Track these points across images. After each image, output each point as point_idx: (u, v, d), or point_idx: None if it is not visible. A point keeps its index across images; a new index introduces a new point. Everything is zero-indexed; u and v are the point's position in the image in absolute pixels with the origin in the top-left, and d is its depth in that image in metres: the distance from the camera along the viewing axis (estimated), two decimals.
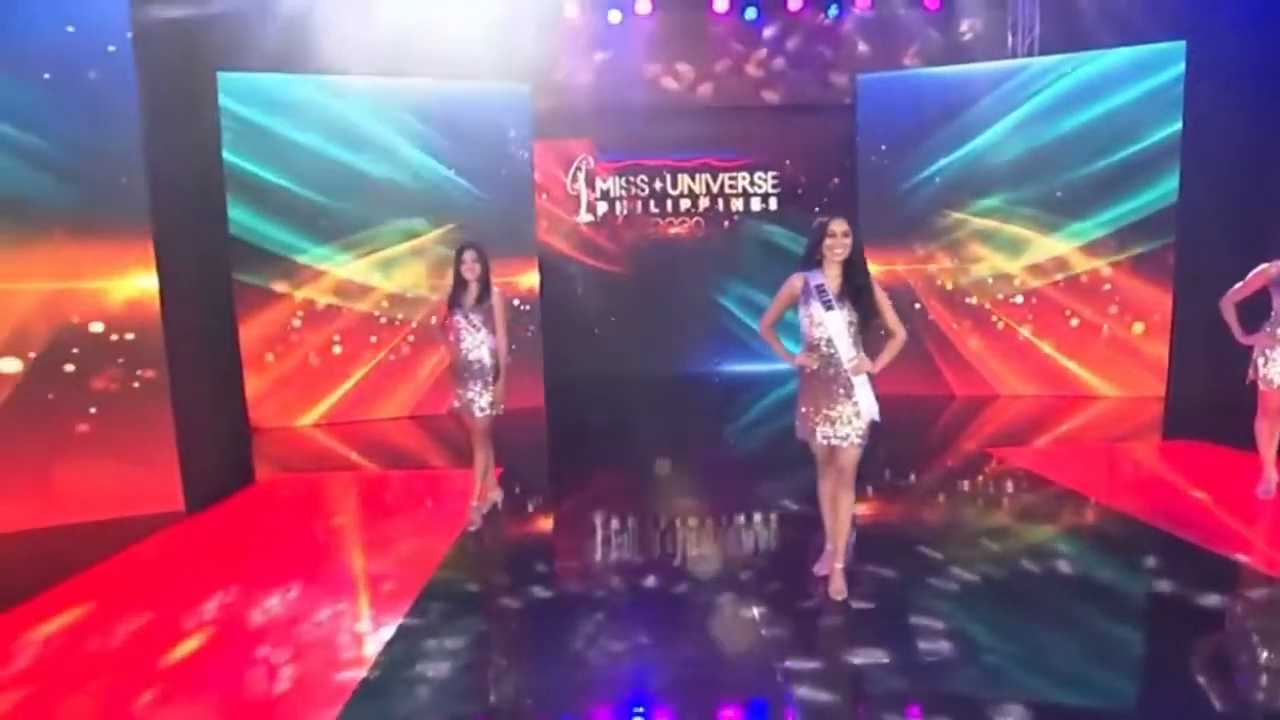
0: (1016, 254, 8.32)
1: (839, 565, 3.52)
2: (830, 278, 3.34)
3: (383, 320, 8.18)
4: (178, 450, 5.13)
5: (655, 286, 10.57)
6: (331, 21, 8.08)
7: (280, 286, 7.80)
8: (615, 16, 9.56)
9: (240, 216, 7.48)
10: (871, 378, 3.37)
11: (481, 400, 4.40)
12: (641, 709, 2.72)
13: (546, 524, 5.04)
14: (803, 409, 3.46)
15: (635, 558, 4.19)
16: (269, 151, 7.58)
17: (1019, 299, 8.38)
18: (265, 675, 2.96)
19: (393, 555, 4.27)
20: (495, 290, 4.41)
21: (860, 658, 2.98)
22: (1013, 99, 8.14)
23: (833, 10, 9.70)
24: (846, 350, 3.32)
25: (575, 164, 10.57)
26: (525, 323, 8.45)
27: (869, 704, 2.73)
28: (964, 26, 9.43)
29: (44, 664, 3.11)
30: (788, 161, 10.55)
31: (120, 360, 4.97)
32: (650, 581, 3.80)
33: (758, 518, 4.82)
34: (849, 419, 3.35)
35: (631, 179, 10.61)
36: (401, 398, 8.27)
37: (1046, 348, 8.32)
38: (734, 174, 10.64)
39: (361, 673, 2.94)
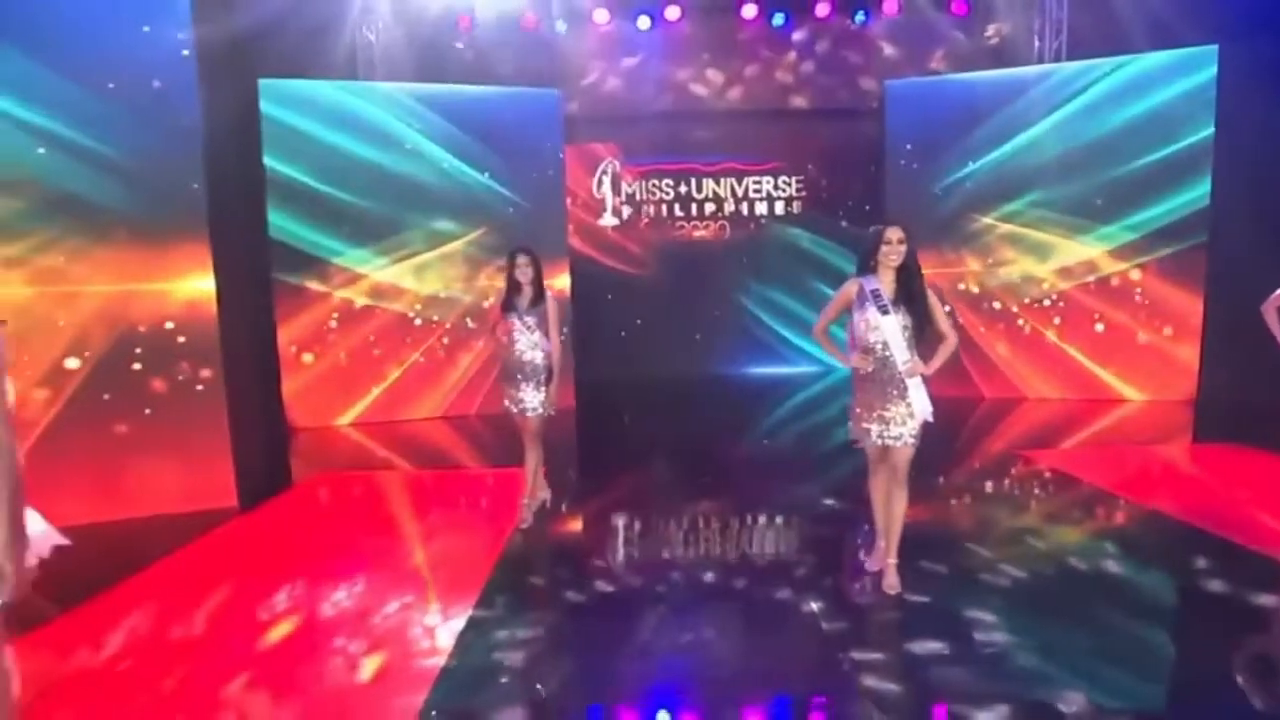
0: (1045, 257, 8.36)
1: (892, 560, 3.62)
2: (885, 283, 3.45)
3: (417, 322, 8.31)
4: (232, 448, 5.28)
5: (679, 290, 10.67)
6: (370, 28, 8.23)
7: (317, 287, 7.93)
8: (644, 23, 9.69)
9: (279, 220, 7.64)
10: (925, 379, 3.46)
11: (533, 401, 4.50)
12: (713, 695, 2.82)
13: (598, 521, 5.11)
14: (857, 409, 3.56)
15: (687, 554, 4.31)
16: (308, 156, 7.71)
17: (1047, 302, 8.43)
18: (347, 664, 3.08)
19: (449, 551, 4.40)
20: (549, 293, 4.53)
21: (920, 649, 3.08)
22: (1043, 103, 8.18)
23: (860, 15, 9.77)
24: (901, 353, 3.41)
25: (600, 168, 10.69)
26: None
27: (933, 693, 2.82)
28: (990, 31, 9.48)
29: (133, 652, 3.24)
30: (810, 166, 10.64)
31: (180, 360, 5.12)
32: (709, 576, 3.91)
33: (801, 515, 4.91)
34: (904, 419, 3.45)
35: (656, 183, 10.72)
36: (435, 399, 8.40)
37: (1074, 351, 8.36)
38: (759, 178, 10.73)
39: (441, 660, 3.06)
